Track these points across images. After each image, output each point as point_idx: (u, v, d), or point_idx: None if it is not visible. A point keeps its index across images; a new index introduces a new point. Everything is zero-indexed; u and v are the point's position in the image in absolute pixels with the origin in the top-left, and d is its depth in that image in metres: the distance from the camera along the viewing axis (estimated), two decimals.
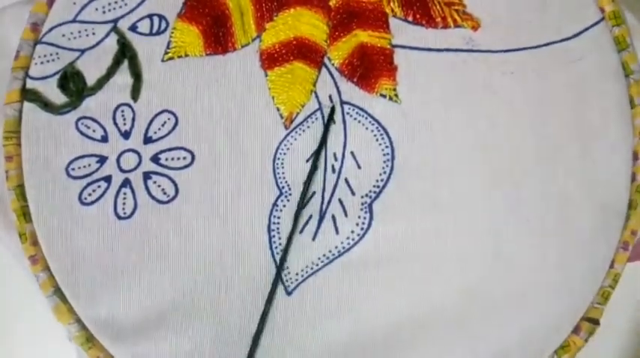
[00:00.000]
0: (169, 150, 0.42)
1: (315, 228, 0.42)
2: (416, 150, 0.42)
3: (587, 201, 0.42)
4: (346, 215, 0.42)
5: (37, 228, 0.41)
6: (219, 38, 0.43)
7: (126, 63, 0.42)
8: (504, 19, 0.43)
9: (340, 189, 0.42)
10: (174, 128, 0.42)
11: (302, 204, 0.41)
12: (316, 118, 0.42)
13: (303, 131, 0.42)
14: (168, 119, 0.42)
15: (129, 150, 0.42)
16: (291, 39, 0.43)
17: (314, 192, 0.42)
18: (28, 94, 0.41)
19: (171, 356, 0.40)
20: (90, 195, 0.41)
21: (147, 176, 0.41)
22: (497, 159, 0.42)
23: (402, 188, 0.42)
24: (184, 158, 0.42)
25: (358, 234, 0.42)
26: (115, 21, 0.42)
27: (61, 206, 0.41)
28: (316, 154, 0.42)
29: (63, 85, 0.42)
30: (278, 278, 0.41)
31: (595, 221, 0.42)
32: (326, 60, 0.43)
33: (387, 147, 0.42)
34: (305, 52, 0.43)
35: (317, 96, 0.43)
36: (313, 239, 0.42)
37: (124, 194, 0.41)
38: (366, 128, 0.42)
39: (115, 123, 0.42)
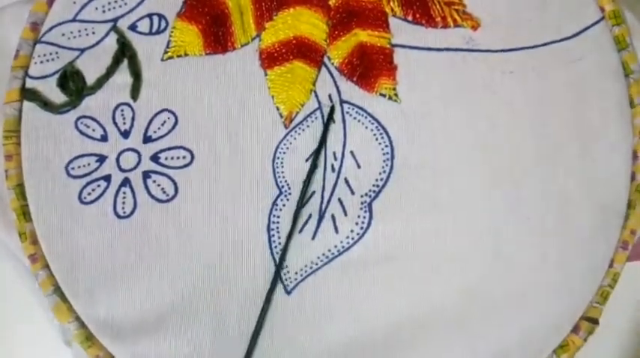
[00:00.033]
0: (169, 149, 0.42)
1: (314, 228, 0.42)
2: (415, 149, 0.42)
3: (587, 201, 0.42)
4: (346, 214, 0.42)
5: (36, 227, 0.41)
6: (218, 37, 0.43)
7: (125, 62, 0.42)
8: (504, 18, 0.43)
9: (340, 189, 0.42)
10: (173, 127, 0.42)
11: (301, 203, 0.41)
12: (316, 117, 0.42)
13: (303, 130, 0.42)
14: (168, 118, 0.42)
15: (128, 149, 0.42)
16: (291, 38, 0.43)
17: (313, 192, 0.42)
18: (28, 93, 0.42)
19: (171, 356, 0.40)
20: (89, 194, 0.41)
21: (146, 175, 0.41)
22: (497, 159, 0.42)
23: (401, 187, 0.42)
24: (184, 157, 0.42)
25: (358, 234, 0.42)
26: (115, 20, 0.42)
27: (60, 205, 0.41)
28: (316, 153, 0.42)
29: (62, 84, 0.42)
30: (277, 278, 0.41)
31: (595, 220, 0.42)
32: (326, 59, 0.43)
33: (386, 146, 0.42)
34: (305, 51, 0.43)
35: (317, 96, 0.43)
36: (313, 238, 0.42)
37: (124, 193, 0.41)
38: (366, 127, 0.42)
39: (115, 123, 0.42)
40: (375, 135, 0.42)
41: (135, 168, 0.41)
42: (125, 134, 0.42)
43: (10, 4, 0.44)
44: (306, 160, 0.42)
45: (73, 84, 0.42)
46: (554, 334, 0.41)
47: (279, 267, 0.41)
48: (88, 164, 0.41)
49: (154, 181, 0.41)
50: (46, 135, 0.41)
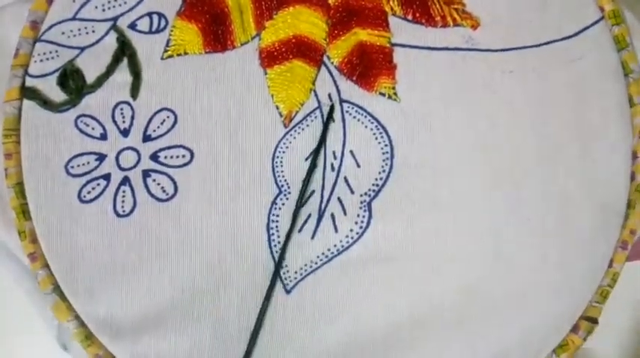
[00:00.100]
0: (168, 148, 0.42)
1: (314, 227, 0.42)
2: (415, 148, 0.42)
3: (587, 201, 0.42)
4: (345, 213, 0.42)
5: (36, 226, 0.41)
6: (218, 36, 0.43)
7: (125, 61, 0.42)
8: (504, 18, 0.43)
9: (339, 188, 0.42)
10: (173, 126, 0.42)
11: (301, 202, 0.41)
12: (315, 117, 0.42)
13: (303, 129, 0.42)
14: (168, 117, 0.42)
15: (128, 148, 0.42)
16: (291, 37, 0.43)
17: (313, 191, 0.42)
18: (28, 92, 0.42)
19: (171, 355, 0.40)
20: (89, 192, 0.41)
21: (146, 174, 0.41)
22: (497, 159, 0.42)
23: (401, 187, 0.42)
24: (183, 156, 0.42)
25: (357, 233, 0.42)
26: (115, 19, 0.43)
27: (60, 203, 0.41)
28: (315, 153, 0.42)
29: (62, 82, 0.42)
30: (276, 276, 0.41)
31: (595, 220, 0.42)
32: (325, 58, 0.43)
33: (386, 145, 0.42)
34: (304, 50, 0.43)
35: (316, 95, 0.43)
36: (312, 237, 0.42)
37: (123, 192, 0.41)
38: (366, 126, 0.42)
39: (115, 121, 0.42)
40: (374, 134, 0.42)
41: (134, 166, 0.42)
42: (125, 133, 0.42)
43: (10, 3, 0.44)
44: (306, 159, 0.42)
45: (73, 82, 0.42)
46: (553, 333, 0.41)
47: (278, 266, 0.41)
48: (88, 163, 0.41)
49: (154, 180, 0.41)
50: (45, 134, 0.41)
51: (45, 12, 0.42)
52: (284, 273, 0.41)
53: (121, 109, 0.42)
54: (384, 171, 0.42)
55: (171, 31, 0.43)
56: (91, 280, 0.41)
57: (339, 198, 0.42)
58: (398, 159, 0.42)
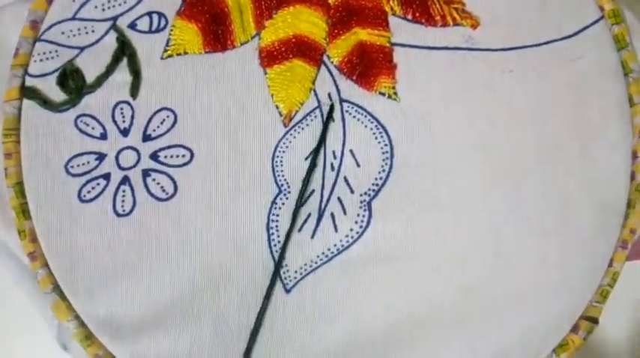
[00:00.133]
0: (168, 147, 0.42)
1: (314, 226, 0.42)
2: (415, 148, 0.42)
3: (587, 201, 0.42)
4: (345, 213, 0.42)
5: (36, 225, 0.41)
6: (218, 36, 0.43)
7: (125, 60, 0.42)
8: (504, 17, 0.43)
9: (339, 187, 0.42)
10: (173, 126, 0.42)
11: (300, 202, 0.41)
12: (315, 116, 0.42)
13: (302, 129, 0.42)
14: (167, 117, 0.42)
15: (128, 147, 0.42)
16: (291, 37, 0.43)
17: (313, 190, 0.42)
18: (28, 92, 0.42)
19: (170, 355, 0.40)
20: (89, 192, 0.41)
21: (146, 173, 0.41)
22: (497, 158, 0.42)
23: (401, 186, 0.42)
24: (183, 156, 0.42)
25: (357, 232, 0.42)
26: (115, 18, 0.43)
27: (60, 203, 0.41)
28: (315, 152, 0.42)
29: (62, 82, 0.42)
30: (276, 276, 0.41)
31: (595, 220, 0.42)
32: (325, 58, 0.43)
33: (386, 145, 0.42)
34: (304, 49, 0.43)
35: (316, 94, 0.43)
36: (312, 237, 0.42)
37: (123, 191, 0.41)
38: (365, 126, 0.42)
39: (114, 121, 0.42)
40: (374, 133, 0.42)
41: (134, 166, 0.42)
42: (124, 132, 0.42)
43: (10, 3, 0.44)
44: (306, 159, 0.42)
45: (73, 82, 0.42)
46: (553, 333, 0.41)
47: (278, 265, 0.41)
48: (88, 162, 0.41)
49: (154, 180, 0.41)
50: (45, 134, 0.41)
51: (45, 12, 0.42)
52: (284, 273, 0.41)
53: (121, 109, 0.42)
54: (383, 170, 0.42)
55: (171, 30, 0.43)
56: (90, 280, 0.41)
57: (338, 198, 0.42)
58: (398, 158, 0.42)
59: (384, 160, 0.42)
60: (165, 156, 0.42)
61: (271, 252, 0.41)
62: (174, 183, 0.42)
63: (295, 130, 0.42)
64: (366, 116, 0.42)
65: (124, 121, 0.42)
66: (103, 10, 0.43)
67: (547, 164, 0.42)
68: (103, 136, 0.42)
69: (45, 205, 0.41)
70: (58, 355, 0.45)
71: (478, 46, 0.43)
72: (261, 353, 0.40)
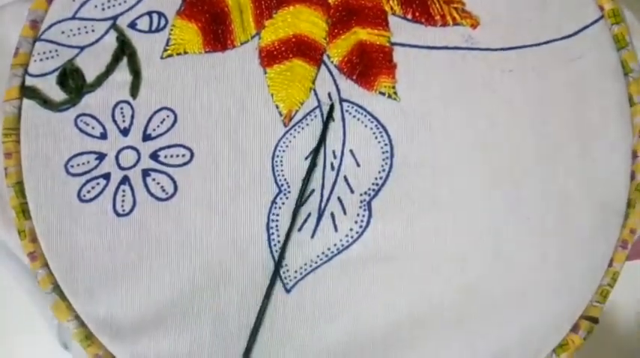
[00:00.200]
0: (168, 147, 0.42)
1: (313, 226, 0.42)
2: (415, 148, 0.42)
3: (587, 200, 0.42)
4: (345, 213, 0.42)
5: (36, 225, 0.41)
6: (218, 36, 0.43)
7: (125, 60, 0.42)
8: (504, 17, 0.43)
9: (339, 187, 0.42)
10: (173, 125, 0.42)
11: (300, 201, 0.41)
12: (315, 116, 0.42)
13: (302, 129, 0.42)
14: (167, 116, 0.42)
15: (128, 147, 0.42)
16: (291, 36, 0.43)
17: (313, 190, 0.42)
18: (28, 91, 0.42)
19: (171, 355, 0.40)
20: (89, 192, 0.41)
21: (146, 173, 0.41)
22: (497, 158, 0.42)
23: (401, 186, 0.42)
24: (183, 155, 0.42)
25: (357, 232, 0.42)
26: (115, 18, 0.42)
27: (60, 203, 0.41)
28: (315, 152, 0.42)
29: (62, 82, 0.42)
30: (276, 275, 0.41)
31: (594, 220, 0.42)
32: (325, 57, 0.43)
33: (385, 144, 0.42)
34: (304, 49, 0.43)
35: (316, 94, 0.43)
36: (312, 237, 0.42)
37: (123, 191, 0.41)
38: (365, 126, 0.42)
39: (114, 121, 0.42)
40: (374, 133, 0.42)
41: (134, 166, 0.41)
42: (124, 132, 0.42)
43: (10, 2, 0.44)
44: (306, 158, 0.42)
45: (73, 82, 0.42)
46: (553, 333, 0.41)
47: (278, 265, 0.41)
48: (88, 162, 0.41)
49: (154, 179, 0.41)
50: (45, 133, 0.41)
51: (45, 11, 0.42)
52: (284, 272, 0.41)
53: (121, 108, 0.42)
54: (383, 170, 0.42)
55: (171, 30, 0.43)
56: (90, 280, 0.41)
57: (338, 198, 0.42)
58: (398, 158, 0.42)
59: (384, 160, 0.42)
60: (165, 156, 0.42)
61: (271, 251, 0.41)
62: (174, 182, 0.41)
63: (295, 130, 0.42)
64: (366, 116, 0.42)
65: (124, 121, 0.42)
66: (103, 9, 0.43)
67: (547, 164, 0.42)
68: (103, 136, 0.42)
69: (45, 205, 0.41)
70: (58, 355, 0.45)
71: (478, 45, 0.43)
72: (261, 353, 0.40)
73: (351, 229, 0.42)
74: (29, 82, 0.42)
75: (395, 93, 0.43)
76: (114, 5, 0.43)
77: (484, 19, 0.43)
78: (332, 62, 0.43)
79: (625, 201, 0.42)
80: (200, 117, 0.42)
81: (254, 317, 0.41)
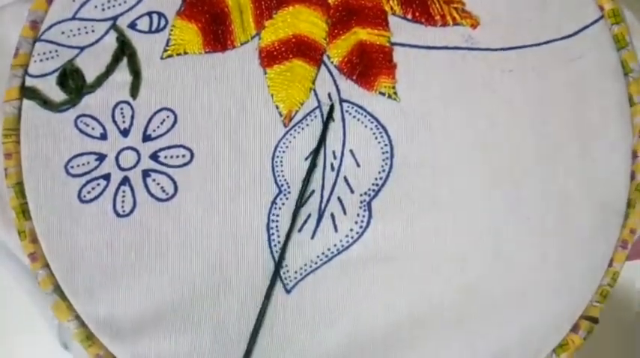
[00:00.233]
0: (168, 148, 0.42)
1: (314, 227, 0.42)
2: (415, 148, 0.42)
3: (587, 200, 0.42)
4: (345, 213, 0.42)
5: (36, 226, 0.41)
6: (218, 36, 0.43)
7: (125, 60, 0.42)
8: (504, 17, 0.43)
9: (339, 188, 0.42)
10: (173, 126, 0.42)
11: (300, 202, 0.41)
12: (315, 116, 0.42)
13: (302, 129, 0.42)
14: (167, 117, 0.42)
15: (128, 147, 0.42)
16: (291, 37, 0.43)
17: (313, 191, 0.42)
18: (28, 92, 0.42)
19: (171, 355, 0.40)
20: (89, 192, 0.41)
21: (146, 174, 0.41)
22: (497, 158, 0.42)
23: (401, 186, 0.42)
24: (183, 156, 0.42)
25: (357, 233, 0.42)
26: (115, 18, 0.42)
27: (60, 203, 0.41)
28: (315, 152, 0.42)
29: (62, 82, 0.42)
30: (276, 276, 0.41)
31: (594, 220, 0.42)
32: (325, 58, 0.43)
33: (386, 145, 0.42)
34: (304, 49, 0.43)
35: (316, 94, 0.43)
36: (312, 237, 0.42)
37: (123, 192, 0.41)
38: (365, 126, 0.42)
39: (114, 121, 0.42)
40: (374, 133, 0.42)
41: (134, 166, 0.41)
42: (124, 132, 0.42)
43: (10, 3, 0.44)
44: (306, 159, 0.42)
45: (73, 82, 0.42)
46: (553, 333, 0.41)
47: (278, 265, 0.41)
48: (88, 162, 0.41)
49: (154, 180, 0.41)
50: (45, 134, 0.41)
51: (45, 12, 0.42)
52: (284, 273, 0.41)
53: (121, 109, 0.42)
54: (383, 170, 0.42)
55: (171, 30, 0.43)
56: (91, 280, 0.40)
57: (338, 198, 0.42)
58: (398, 158, 0.42)
59: (384, 160, 0.42)
60: (166, 157, 0.42)
61: (271, 252, 0.41)
62: (175, 183, 0.41)
63: (295, 130, 0.42)
64: (366, 116, 0.42)
65: (124, 121, 0.42)
66: (103, 9, 0.43)
67: (547, 164, 0.42)
68: (103, 136, 0.42)
69: (45, 205, 0.41)
70: (58, 355, 0.45)
71: (478, 45, 0.43)
72: (262, 353, 0.40)
73: (351, 229, 0.42)
74: (29, 82, 0.42)
75: (395, 93, 0.43)
76: (114, 6, 0.43)
77: (484, 19, 0.43)
78: (332, 62, 0.43)
79: (625, 201, 0.42)
80: (200, 117, 0.42)
81: (254, 317, 0.40)
